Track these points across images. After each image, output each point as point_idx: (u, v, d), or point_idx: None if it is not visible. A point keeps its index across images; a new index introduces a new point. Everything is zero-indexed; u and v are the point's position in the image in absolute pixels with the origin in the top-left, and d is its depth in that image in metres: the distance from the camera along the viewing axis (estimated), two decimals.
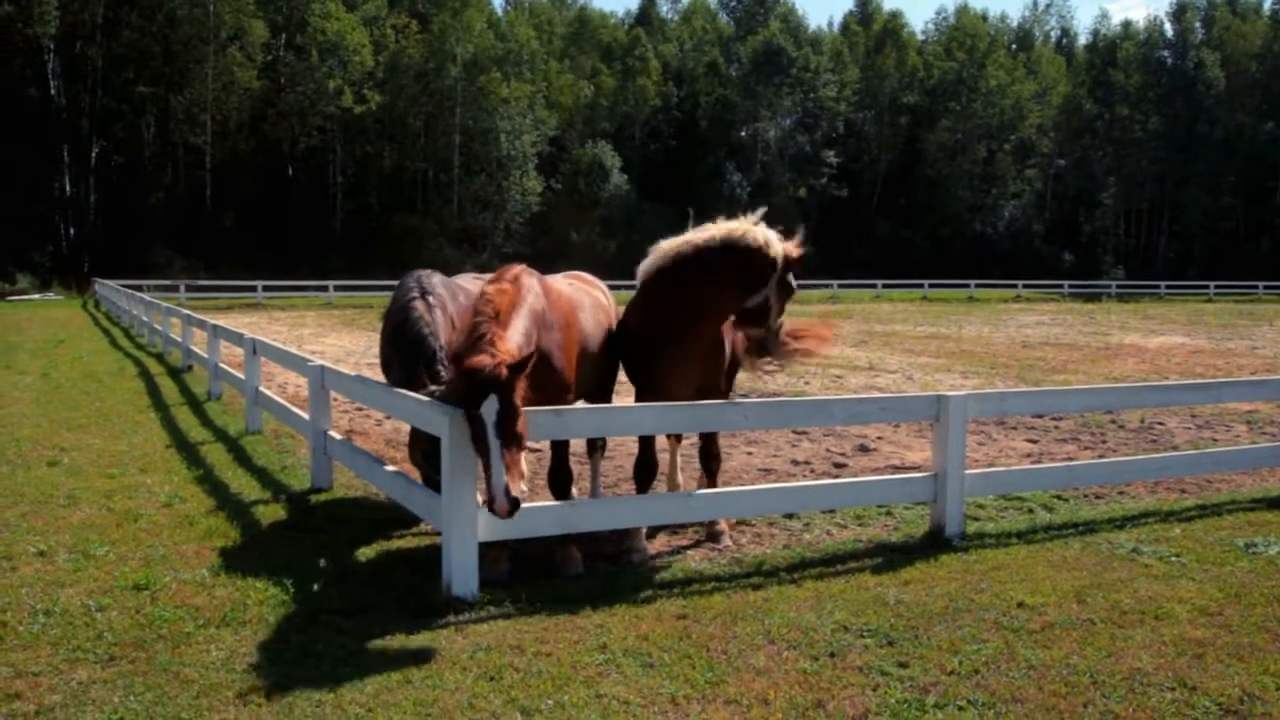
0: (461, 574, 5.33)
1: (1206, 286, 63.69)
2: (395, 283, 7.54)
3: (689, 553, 6.55)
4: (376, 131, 63.93)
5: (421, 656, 4.62)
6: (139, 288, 35.61)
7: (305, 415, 8.66)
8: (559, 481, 6.26)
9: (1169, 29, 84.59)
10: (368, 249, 58.13)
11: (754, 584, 5.77)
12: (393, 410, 6.79)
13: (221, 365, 13.44)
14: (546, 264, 7.84)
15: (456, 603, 5.26)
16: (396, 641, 4.81)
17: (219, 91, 59.72)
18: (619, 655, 4.66)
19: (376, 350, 20.84)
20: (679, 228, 6.62)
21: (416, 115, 64.52)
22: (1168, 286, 65.04)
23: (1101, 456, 9.88)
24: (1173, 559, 6.26)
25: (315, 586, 5.62)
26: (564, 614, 5.21)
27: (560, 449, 6.28)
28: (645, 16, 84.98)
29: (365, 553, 6.41)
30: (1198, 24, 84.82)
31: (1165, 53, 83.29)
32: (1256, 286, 63.31)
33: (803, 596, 5.52)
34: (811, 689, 4.32)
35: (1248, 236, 79.92)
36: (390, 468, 6.89)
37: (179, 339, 17.69)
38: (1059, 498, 8.15)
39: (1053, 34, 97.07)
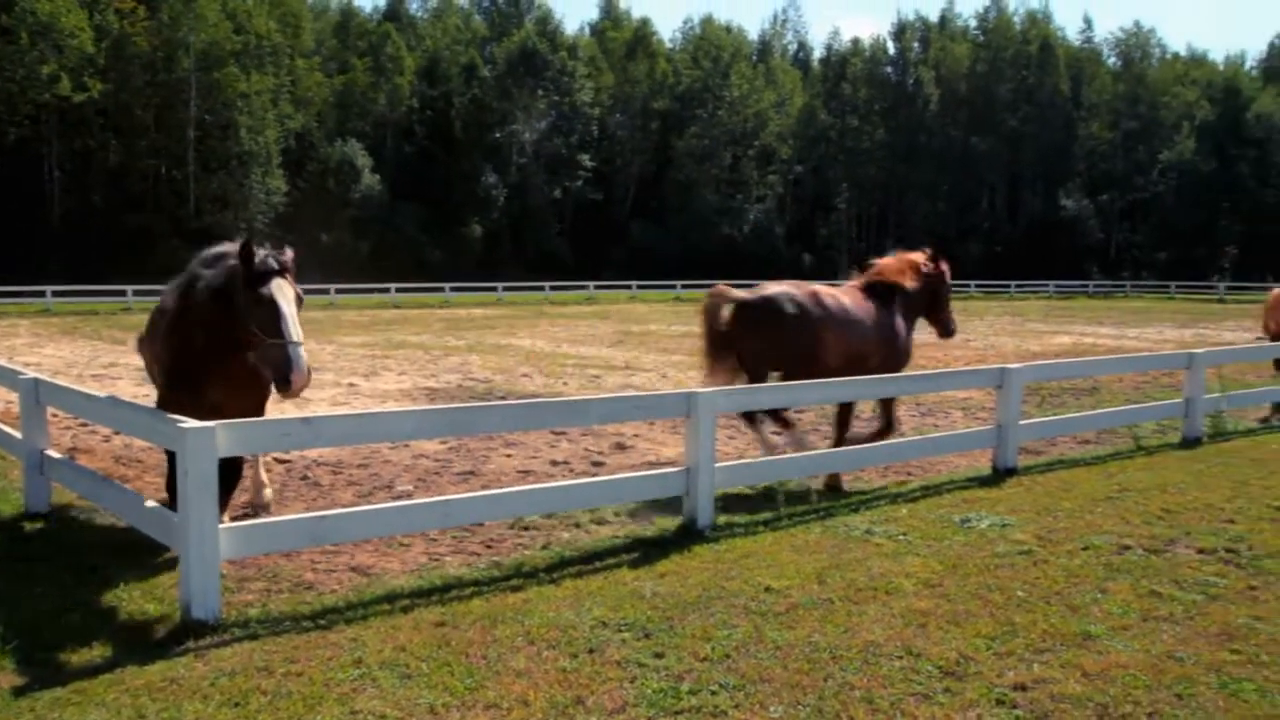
0: (201, 595, 5.01)
1: None
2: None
3: (448, 559, 6.46)
4: (99, 124, 58.83)
5: (156, 688, 4.30)
6: None
7: (17, 434, 7.85)
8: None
9: (891, 47, 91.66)
10: (92, 251, 53.40)
11: (513, 586, 5.76)
12: (121, 425, 6.28)
13: None
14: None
15: (197, 627, 4.94)
16: (128, 675, 4.45)
17: None
18: (375, 669, 4.53)
19: (101, 362, 19.29)
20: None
21: (145, 107, 59.94)
22: None
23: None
24: (900, 537, 6.79)
25: (31, 621, 5.12)
26: (316, 630, 5.01)
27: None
28: (394, 13, 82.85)
29: (92, 581, 5.89)
30: (916, 44, 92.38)
31: (889, 69, 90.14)
32: (969, 285, 69.61)
33: (562, 595, 5.58)
34: (571, 686, 4.37)
35: (959, 240, 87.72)
36: (123, 487, 6.37)
37: None
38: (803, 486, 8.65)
39: (790, 47, 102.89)
